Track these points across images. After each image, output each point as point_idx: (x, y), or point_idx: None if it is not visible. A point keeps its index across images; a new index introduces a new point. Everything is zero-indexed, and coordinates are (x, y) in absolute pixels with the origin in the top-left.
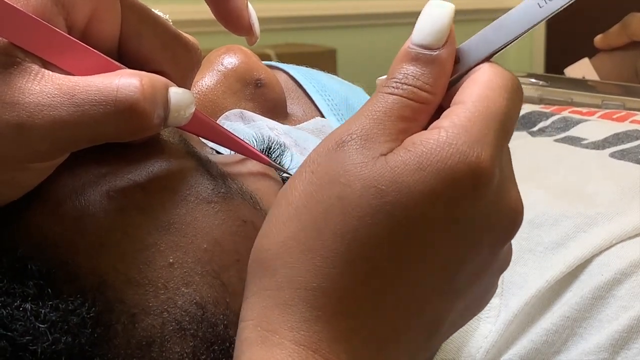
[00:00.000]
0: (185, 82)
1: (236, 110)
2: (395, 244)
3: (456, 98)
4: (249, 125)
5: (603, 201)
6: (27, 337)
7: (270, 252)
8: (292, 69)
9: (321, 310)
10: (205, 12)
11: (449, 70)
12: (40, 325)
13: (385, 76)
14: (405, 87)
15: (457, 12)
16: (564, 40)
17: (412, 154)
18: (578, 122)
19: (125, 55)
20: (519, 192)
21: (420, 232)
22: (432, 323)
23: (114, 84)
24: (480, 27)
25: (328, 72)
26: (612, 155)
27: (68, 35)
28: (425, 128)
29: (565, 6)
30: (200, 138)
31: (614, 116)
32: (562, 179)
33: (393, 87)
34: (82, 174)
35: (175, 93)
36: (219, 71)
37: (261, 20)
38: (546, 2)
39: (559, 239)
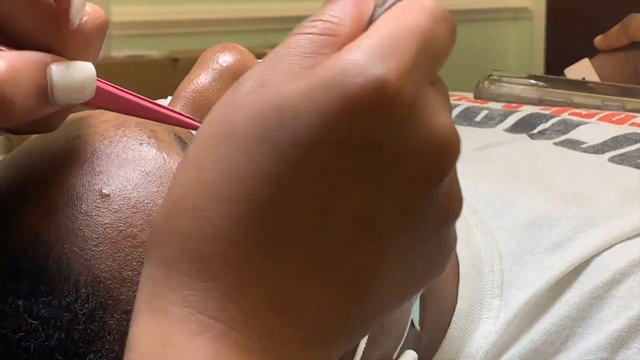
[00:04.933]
0: (78, 56)
1: None
2: (284, 179)
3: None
4: None
5: (602, 202)
6: (20, 334)
7: (162, 204)
8: None
9: (203, 263)
10: (206, 12)
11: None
12: (33, 322)
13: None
14: (308, 24)
15: (456, 13)
16: (564, 40)
17: (304, 79)
18: (577, 124)
19: (9, 36)
20: (450, 121)
21: (313, 164)
22: (357, 280)
23: None
24: (481, 26)
25: None
26: (612, 159)
27: None
28: None
29: None
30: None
31: (614, 118)
32: (561, 183)
33: (297, 30)
34: (75, 172)
35: (59, 68)
36: (214, 69)
37: (261, 20)
38: None
39: (558, 239)
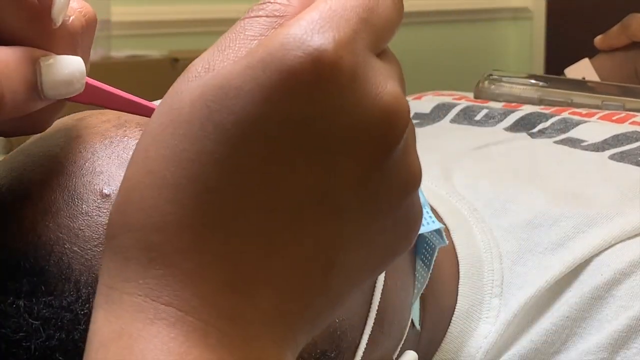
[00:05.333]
0: (67, 51)
1: None
2: (229, 159)
3: None
4: None
5: (602, 202)
6: (21, 334)
7: (115, 199)
8: None
9: (155, 251)
10: (206, 12)
11: None
12: (34, 322)
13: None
14: (256, 6)
15: (456, 13)
16: (564, 40)
17: (243, 58)
18: (578, 123)
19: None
20: (398, 90)
21: (257, 141)
22: (317, 256)
23: None
24: (481, 26)
25: None
26: (612, 157)
27: None
28: None
29: None
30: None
31: (614, 117)
32: (561, 182)
33: (245, 14)
34: (75, 172)
35: (48, 63)
36: None
37: None
38: None
39: (558, 239)
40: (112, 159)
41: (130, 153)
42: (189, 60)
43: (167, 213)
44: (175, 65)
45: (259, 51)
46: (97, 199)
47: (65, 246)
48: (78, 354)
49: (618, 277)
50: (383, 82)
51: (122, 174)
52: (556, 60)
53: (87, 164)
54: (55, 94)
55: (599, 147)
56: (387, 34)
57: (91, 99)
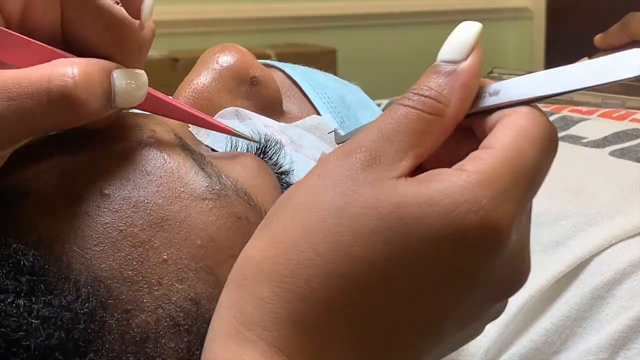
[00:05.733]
0: (134, 63)
1: (231, 109)
2: (385, 272)
3: (486, 141)
4: (244, 123)
5: (603, 200)
6: (21, 333)
7: (257, 245)
8: (287, 67)
9: (297, 316)
10: (206, 12)
11: (469, 83)
12: (34, 321)
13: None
14: (417, 97)
15: (456, 13)
16: (564, 40)
17: (425, 188)
18: (578, 121)
19: (70, 41)
20: (529, 255)
21: (413, 269)
22: (411, 357)
23: (46, 74)
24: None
25: (328, 72)
26: (612, 153)
27: (4, 29)
28: (445, 152)
29: (633, 78)
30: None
31: (614, 115)
32: (562, 178)
33: (407, 98)
34: (75, 172)
35: (120, 75)
36: (214, 69)
37: (261, 20)
38: (602, 71)
39: (558, 238)
40: (112, 159)
41: (129, 152)
42: (189, 60)
43: (318, 291)
44: (175, 65)
45: (441, 197)
46: (97, 198)
47: (65, 245)
48: (77, 354)
49: (618, 277)
50: (525, 251)
51: (122, 174)
52: (556, 60)
53: (86, 163)
54: (124, 104)
55: (599, 143)
56: (539, 187)
57: (149, 107)
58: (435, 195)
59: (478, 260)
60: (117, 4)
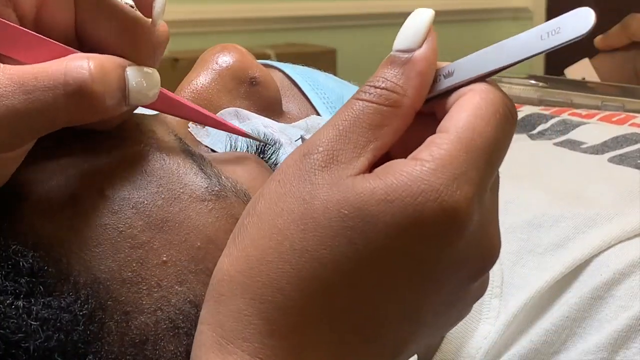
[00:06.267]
0: (147, 62)
1: (231, 109)
2: (354, 271)
3: (442, 124)
4: (244, 124)
5: (602, 203)
6: (20, 335)
7: (229, 258)
8: (287, 67)
9: (275, 324)
10: (206, 12)
11: (425, 71)
12: (33, 323)
13: None
14: (373, 90)
15: (456, 13)
16: None
17: (382, 183)
18: (577, 124)
19: (84, 41)
20: (498, 229)
21: (380, 264)
22: (394, 347)
23: (62, 68)
24: (481, 26)
25: (328, 72)
26: (611, 160)
27: (19, 27)
28: (411, 140)
29: (566, 44)
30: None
31: (614, 119)
32: (562, 183)
33: (363, 91)
34: (75, 173)
35: (134, 72)
36: (214, 70)
37: (261, 20)
38: (548, 36)
39: (558, 240)
40: (111, 159)
41: (129, 152)
42: (189, 60)
43: (291, 298)
44: (175, 65)
45: (398, 191)
46: (97, 199)
47: (65, 247)
48: (77, 355)
49: (617, 277)
50: (492, 226)
51: (123, 174)
52: (556, 61)
53: (86, 164)
54: (137, 101)
55: (598, 149)
56: (501, 164)
57: (161, 106)
58: (393, 190)
59: (441, 245)
60: (132, 7)
